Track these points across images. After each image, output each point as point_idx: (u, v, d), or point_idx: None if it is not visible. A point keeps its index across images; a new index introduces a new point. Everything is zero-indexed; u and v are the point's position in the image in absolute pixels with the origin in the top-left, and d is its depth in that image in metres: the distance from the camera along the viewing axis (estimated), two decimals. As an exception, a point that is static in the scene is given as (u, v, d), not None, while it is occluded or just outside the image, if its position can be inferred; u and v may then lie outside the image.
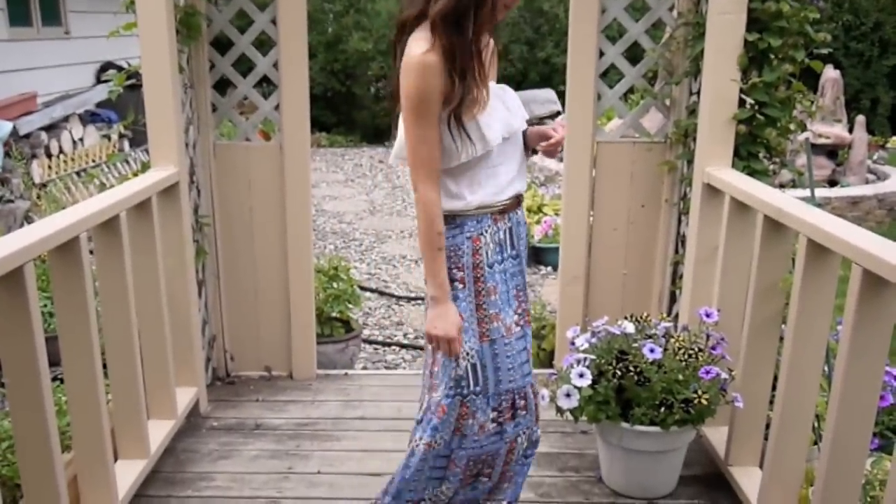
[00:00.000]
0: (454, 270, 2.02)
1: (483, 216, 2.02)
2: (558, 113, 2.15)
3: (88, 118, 8.41)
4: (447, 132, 1.91)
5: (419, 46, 1.84)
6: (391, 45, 1.97)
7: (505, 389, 2.10)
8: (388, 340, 4.77)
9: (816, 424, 2.52)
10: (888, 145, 11.00)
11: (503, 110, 2.00)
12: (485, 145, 1.94)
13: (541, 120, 2.12)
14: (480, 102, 1.91)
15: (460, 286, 2.03)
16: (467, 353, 2.04)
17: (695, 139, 2.96)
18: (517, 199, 2.10)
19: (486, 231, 2.03)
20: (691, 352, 2.56)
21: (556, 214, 6.20)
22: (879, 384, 2.00)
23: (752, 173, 2.80)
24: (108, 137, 8.28)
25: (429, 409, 2.11)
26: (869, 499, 2.23)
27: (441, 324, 1.97)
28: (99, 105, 8.67)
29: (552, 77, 13.38)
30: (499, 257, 2.05)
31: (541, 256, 6.14)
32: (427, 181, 1.92)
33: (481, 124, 1.93)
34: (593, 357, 2.59)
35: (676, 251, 3.27)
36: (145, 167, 2.98)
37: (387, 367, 4.40)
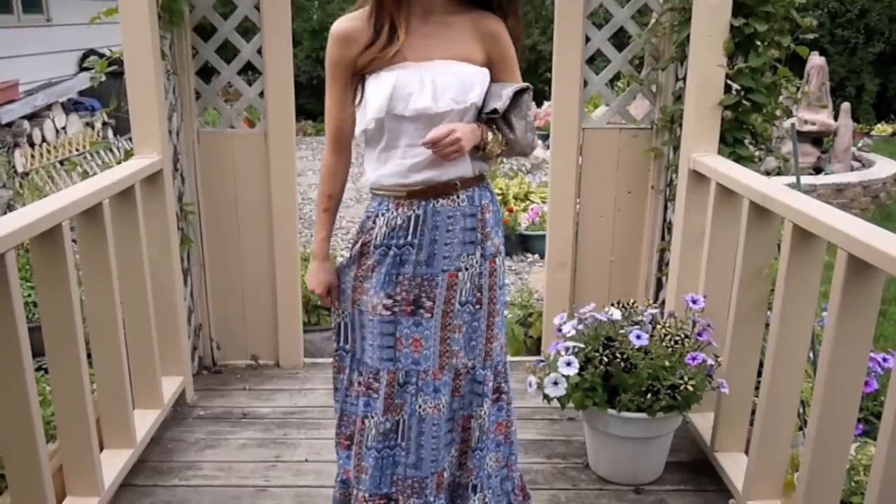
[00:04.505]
0: (352, 242, 2.12)
1: (384, 199, 2.02)
2: (496, 111, 2.10)
3: (71, 106, 8.33)
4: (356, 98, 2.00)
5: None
6: None
7: (364, 362, 2.12)
8: (376, 329, 4.75)
9: (802, 410, 2.54)
10: (873, 133, 11.07)
11: (414, 85, 1.89)
12: (365, 119, 1.93)
13: (489, 117, 2.08)
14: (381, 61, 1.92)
15: (347, 255, 2.11)
16: (341, 313, 2.16)
17: (681, 125, 2.95)
18: (435, 188, 1.98)
19: (383, 214, 2.01)
20: (678, 338, 2.57)
21: (543, 202, 6.20)
22: (864, 370, 2.01)
23: (738, 159, 2.80)
24: (92, 126, 8.20)
25: None
26: (853, 483, 2.24)
27: (310, 279, 2.14)
28: (82, 93, 8.59)
29: (539, 64, 13.36)
30: (390, 242, 2.01)
31: (528, 244, 6.14)
32: (328, 143, 2.08)
33: (367, 96, 1.93)
34: (581, 345, 2.59)
35: (663, 238, 3.27)
36: (128, 155, 2.95)
37: (374, 356, 4.39)
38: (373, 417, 2.10)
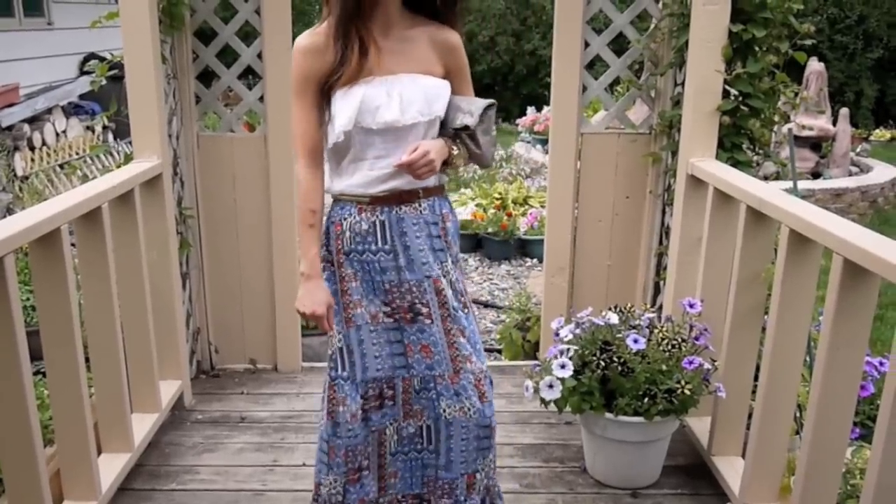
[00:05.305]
0: (324, 251, 2.09)
1: (347, 204, 2.05)
2: (466, 127, 2.10)
3: (72, 110, 8.35)
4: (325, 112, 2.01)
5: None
6: None
7: (371, 377, 2.10)
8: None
9: (798, 414, 2.54)
10: (871, 138, 11.09)
11: (381, 99, 1.93)
12: (333, 132, 1.96)
13: (456, 132, 2.10)
14: (349, 79, 1.93)
15: (329, 267, 2.09)
16: (337, 335, 2.10)
17: (679, 130, 2.96)
18: (398, 195, 2.02)
19: (347, 219, 2.04)
20: (675, 342, 2.57)
21: (542, 206, 6.21)
22: (860, 374, 2.01)
23: (736, 164, 2.81)
24: (92, 129, 8.22)
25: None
26: (849, 487, 2.25)
27: (307, 301, 2.03)
28: (82, 97, 8.60)
29: (539, 69, 13.40)
30: (359, 248, 2.04)
31: (526, 248, 6.14)
32: (300, 158, 2.03)
33: (334, 110, 1.96)
34: (576, 347, 2.59)
35: (661, 242, 3.28)
36: (128, 159, 2.96)
37: (372, 360, 4.39)
38: (393, 424, 2.14)
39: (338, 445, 2.12)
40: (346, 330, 2.09)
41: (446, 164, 2.03)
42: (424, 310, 2.06)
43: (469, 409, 2.08)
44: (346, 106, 1.93)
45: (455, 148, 2.03)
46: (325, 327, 2.07)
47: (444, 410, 2.10)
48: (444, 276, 2.07)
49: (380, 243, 2.03)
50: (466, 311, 2.12)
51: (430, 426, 2.13)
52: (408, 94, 1.95)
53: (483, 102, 2.04)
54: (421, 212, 2.05)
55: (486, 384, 2.12)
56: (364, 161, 2.00)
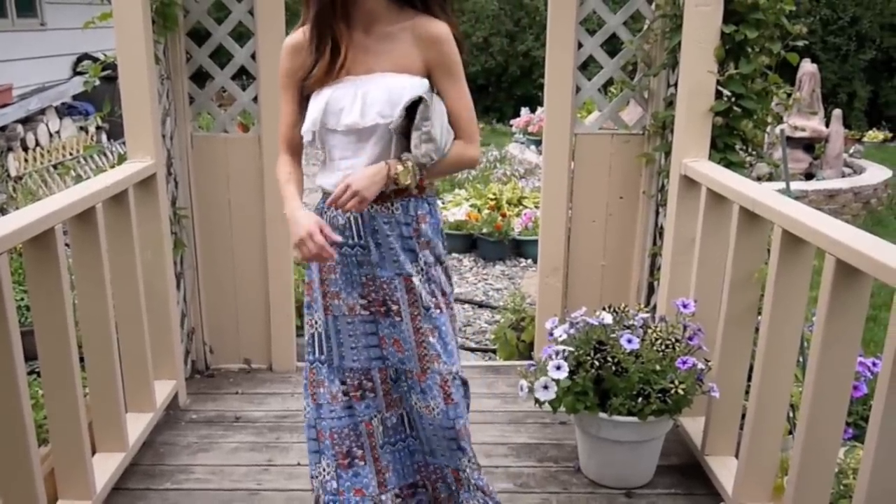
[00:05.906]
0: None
1: (326, 197, 2.08)
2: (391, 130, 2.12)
3: (65, 111, 8.34)
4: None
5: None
6: None
7: (348, 367, 2.13)
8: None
9: (791, 414, 2.55)
10: (864, 139, 11.12)
11: (346, 101, 1.94)
12: (305, 132, 2.00)
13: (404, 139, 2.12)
14: (319, 79, 1.96)
15: None
16: (315, 322, 2.13)
17: (672, 131, 2.97)
18: None
19: (326, 213, 2.08)
20: (668, 342, 2.58)
21: (537, 207, 6.22)
22: (852, 374, 2.02)
23: (729, 165, 2.82)
24: (86, 130, 8.20)
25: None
26: (842, 487, 2.26)
27: (296, 230, 1.92)
28: (76, 97, 8.59)
29: (532, 70, 13.43)
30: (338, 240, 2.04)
31: (521, 248, 6.16)
32: (280, 146, 2.13)
33: (307, 112, 2.00)
34: (571, 349, 2.60)
35: (654, 242, 3.29)
36: (122, 159, 2.96)
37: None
38: (377, 415, 2.16)
39: (323, 427, 2.14)
40: (325, 317, 2.12)
41: (395, 184, 1.97)
42: (394, 307, 2.08)
43: (434, 409, 2.09)
44: (313, 108, 1.97)
45: (400, 166, 1.95)
46: (319, 246, 1.89)
47: (415, 404, 2.13)
48: (418, 274, 2.06)
49: (355, 238, 2.05)
50: (440, 311, 2.09)
51: (407, 414, 2.18)
52: (371, 95, 1.93)
53: (408, 101, 1.91)
54: (393, 212, 2.04)
55: (452, 386, 2.09)
56: (334, 161, 2.03)
